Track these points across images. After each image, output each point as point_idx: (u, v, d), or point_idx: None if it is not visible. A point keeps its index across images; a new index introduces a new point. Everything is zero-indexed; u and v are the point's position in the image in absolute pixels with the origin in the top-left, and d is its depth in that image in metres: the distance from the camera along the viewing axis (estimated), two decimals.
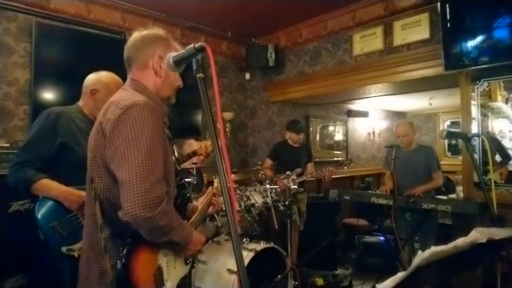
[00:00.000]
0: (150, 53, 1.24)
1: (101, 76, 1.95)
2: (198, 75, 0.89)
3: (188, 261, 1.39)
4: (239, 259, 0.85)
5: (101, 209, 1.12)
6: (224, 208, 2.45)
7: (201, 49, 0.91)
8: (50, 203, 1.70)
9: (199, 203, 1.72)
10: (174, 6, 3.58)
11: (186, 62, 0.97)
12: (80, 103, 1.97)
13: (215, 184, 1.94)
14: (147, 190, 1.01)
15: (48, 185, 1.69)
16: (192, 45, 0.92)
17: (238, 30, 4.33)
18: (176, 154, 1.37)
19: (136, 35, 1.28)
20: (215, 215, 2.65)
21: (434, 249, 1.08)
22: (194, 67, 0.91)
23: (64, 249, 1.63)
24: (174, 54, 1.00)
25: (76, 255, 1.57)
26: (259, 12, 3.81)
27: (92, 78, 1.96)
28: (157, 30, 1.31)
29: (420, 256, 1.10)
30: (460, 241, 1.15)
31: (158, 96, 1.27)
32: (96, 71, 2.00)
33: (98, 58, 2.91)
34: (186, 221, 1.45)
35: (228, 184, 0.86)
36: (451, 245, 1.12)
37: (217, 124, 0.89)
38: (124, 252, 1.09)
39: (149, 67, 1.25)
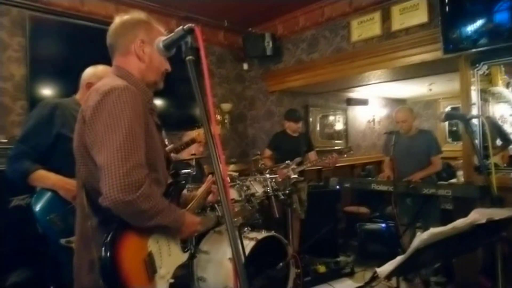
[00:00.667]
0: (131, 38, 1.22)
1: (97, 70, 1.96)
2: (187, 57, 0.88)
3: (186, 249, 1.37)
4: (233, 244, 0.84)
5: (87, 197, 1.11)
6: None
7: (190, 31, 0.89)
8: (46, 196, 1.70)
9: (198, 191, 1.71)
10: None
11: (176, 45, 0.95)
12: (78, 96, 1.99)
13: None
14: (125, 173, 1.00)
15: (44, 175, 1.69)
16: (181, 27, 0.90)
17: (235, 19, 4.27)
18: (166, 142, 1.34)
19: (116, 20, 1.25)
20: (216, 205, 2.65)
21: (432, 230, 1.07)
22: (183, 49, 0.89)
23: (63, 241, 1.64)
24: (163, 38, 0.98)
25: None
26: (255, 0, 3.76)
27: (88, 72, 1.97)
28: (138, 14, 1.27)
29: (419, 238, 1.09)
30: (459, 222, 1.14)
31: (144, 82, 1.25)
32: (92, 64, 2.00)
33: (94, 50, 2.88)
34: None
35: (221, 168, 0.85)
36: (450, 226, 1.11)
37: (208, 104, 0.87)
38: (108, 239, 1.06)
39: (131, 52, 1.22)
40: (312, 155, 3.91)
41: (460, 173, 4.15)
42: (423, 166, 3.25)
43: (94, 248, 1.07)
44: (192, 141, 2.64)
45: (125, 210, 1.02)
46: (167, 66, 1.29)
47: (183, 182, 1.38)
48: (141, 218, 1.07)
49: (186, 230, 1.24)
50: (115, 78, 1.19)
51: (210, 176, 1.85)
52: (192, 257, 2.40)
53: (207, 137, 0.84)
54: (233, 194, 2.87)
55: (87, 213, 1.10)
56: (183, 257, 1.35)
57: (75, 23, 3.30)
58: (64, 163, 1.69)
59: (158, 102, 3.86)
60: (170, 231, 1.21)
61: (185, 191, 1.59)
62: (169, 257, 1.26)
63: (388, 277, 1.19)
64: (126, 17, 1.26)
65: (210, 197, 1.72)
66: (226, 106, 4.45)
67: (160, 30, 1.26)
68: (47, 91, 3.11)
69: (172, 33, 0.93)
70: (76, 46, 3.21)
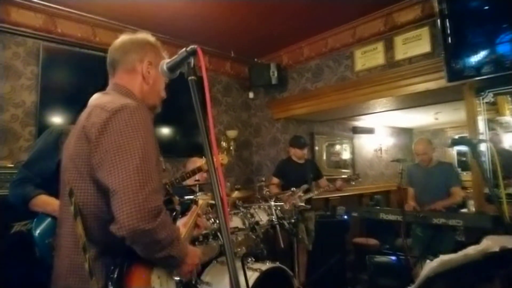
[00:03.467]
0: (139, 57, 1.19)
1: None
2: (189, 78, 0.88)
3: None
4: (233, 278, 0.80)
5: (83, 226, 0.98)
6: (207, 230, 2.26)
7: (193, 52, 0.90)
8: (48, 220, 1.68)
9: (182, 224, 1.60)
10: (179, 29, 3.68)
11: (179, 67, 0.96)
12: None
13: (200, 202, 1.82)
14: (144, 199, 0.91)
15: (45, 201, 1.68)
16: (184, 49, 0.91)
17: (241, 50, 4.40)
18: (164, 166, 1.26)
19: (124, 37, 1.23)
20: (218, 234, 2.58)
21: (442, 257, 1.02)
22: (186, 69, 0.90)
23: None
24: (167, 60, 0.99)
25: None
26: (261, 33, 3.89)
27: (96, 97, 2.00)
28: (146, 35, 1.25)
29: (429, 266, 1.04)
30: (471, 250, 1.08)
31: (144, 103, 1.19)
32: None
33: (103, 80, 2.98)
34: None
35: (222, 195, 0.82)
36: (461, 253, 1.06)
37: (210, 125, 0.86)
38: (116, 274, 0.96)
39: (137, 71, 1.19)
40: (323, 181, 3.87)
41: (471, 202, 4.04)
42: (442, 197, 3.19)
43: (96, 283, 0.95)
44: (199, 169, 2.62)
45: (142, 239, 0.93)
46: (164, 93, 1.28)
47: (177, 210, 1.30)
48: (155, 248, 0.98)
49: (189, 262, 1.12)
50: (120, 96, 1.14)
51: (194, 207, 1.74)
52: None
53: (208, 161, 0.81)
54: (236, 222, 2.80)
55: (83, 244, 0.97)
56: None
57: (86, 53, 3.42)
58: None
59: (165, 129, 3.91)
60: (173, 264, 1.08)
61: None
62: None
63: None
64: (135, 35, 1.23)
65: (195, 232, 1.58)
66: (232, 133, 4.48)
67: (164, 57, 1.24)
68: (55, 118, 3.17)
69: (176, 55, 0.95)
70: (86, 75, 3.29)
